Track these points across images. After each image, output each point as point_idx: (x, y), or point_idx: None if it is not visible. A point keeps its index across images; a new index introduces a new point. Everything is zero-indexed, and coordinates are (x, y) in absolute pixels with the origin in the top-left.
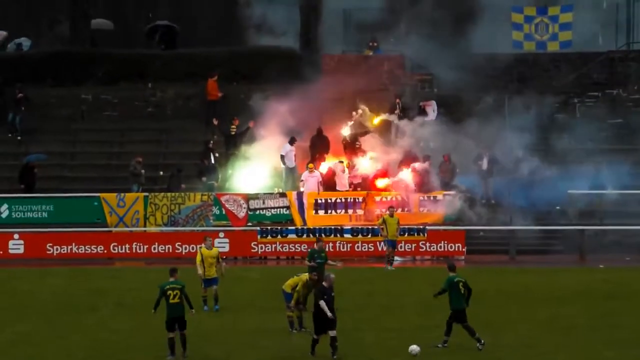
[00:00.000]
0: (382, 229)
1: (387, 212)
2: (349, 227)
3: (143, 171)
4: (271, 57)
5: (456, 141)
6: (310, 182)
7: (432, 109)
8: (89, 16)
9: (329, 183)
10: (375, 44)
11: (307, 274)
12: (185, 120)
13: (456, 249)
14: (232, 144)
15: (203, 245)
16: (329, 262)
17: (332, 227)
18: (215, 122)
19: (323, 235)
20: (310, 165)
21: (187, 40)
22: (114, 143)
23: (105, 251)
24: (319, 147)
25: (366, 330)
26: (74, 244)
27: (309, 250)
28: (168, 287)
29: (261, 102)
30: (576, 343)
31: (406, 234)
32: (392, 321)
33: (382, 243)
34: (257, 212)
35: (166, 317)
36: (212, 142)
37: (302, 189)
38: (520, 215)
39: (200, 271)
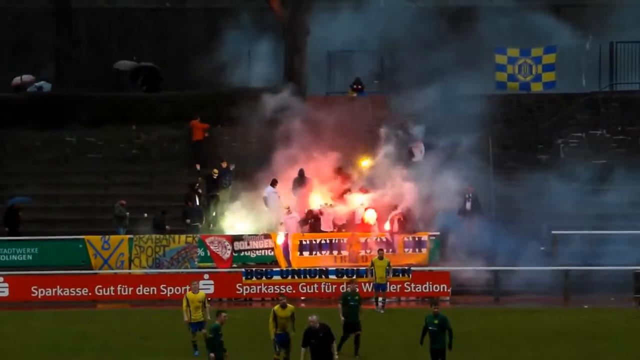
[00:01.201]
0: (369, 271)
1: (377, 255)
2: (334, 269)
3: (127, 213)
4: (256, 98)
5: (440, 182)
6: (289, 224)
7: (419, 150)
8: (73, 58)
9: (313, 225)
10: (359, 87)
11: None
12: (169, 163)
13: (441, 290)
14: (213, 186)
15: (189, 289)
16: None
17: (317, 269)
18: (197, 166)
19: (308, 276)
20: (287, 206)
21: (171, 82)
22: (98, 185)
23: (90, 294)
24: (301, 189)
25: None
26: (58, 286)
27: (343, 292)
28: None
29: (245, 144)
30: None
31: (391, 274)
32: None
33: (370, 285)
34: (242, 253)
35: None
36: (197, 184)
37: (281, 232)
38: (503, 255)
39: (186, 318)
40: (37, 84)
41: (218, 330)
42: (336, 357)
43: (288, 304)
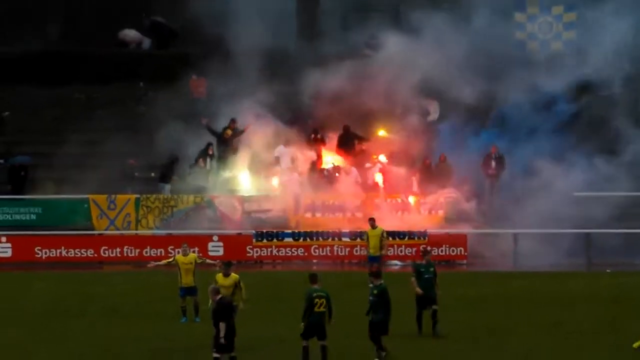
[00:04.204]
0: (366, 242)
1: (369, 224)
2: (347, 231)
3: (137, 174)
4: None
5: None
6: (290, 184)
7: (434, 108)
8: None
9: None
10: (375, 42)
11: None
12: (177, 121)
13: (458, 253)
14: (224, 145)
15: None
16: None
17: (330, 231)
18: (203, 121)
19: (320, 238)
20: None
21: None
22: (105, 143)
23: (95, 255)
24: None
25: (361, 338)
26: (63, 247)
27: (412, 263)
28: (315, 294)
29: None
30: (581, 348)
31: (407, 237)
32: (390, 329)
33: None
34: (252, 214)
35: (306, 324)
36: (210, 144)
37: (294, 193)
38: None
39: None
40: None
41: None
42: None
43: (232, 273)
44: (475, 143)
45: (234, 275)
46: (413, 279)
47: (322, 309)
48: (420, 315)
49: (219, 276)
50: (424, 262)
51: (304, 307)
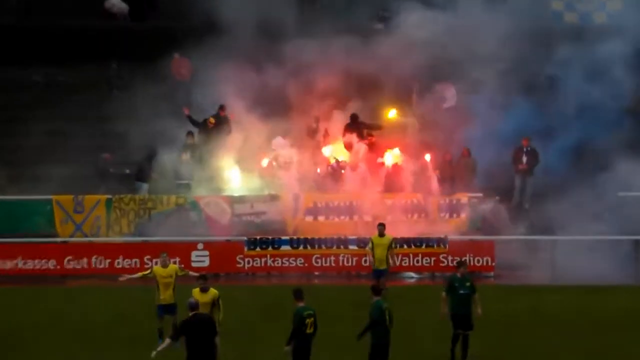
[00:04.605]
0: (370, 253)
1: (377, 231)
2: (355, 237)
3: (111, 170)
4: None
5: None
6: (287, 183)
7: (451, 93)
8: None
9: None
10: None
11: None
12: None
13: (484, 263)
14: (208, 137)
15: (158, 262)
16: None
17: (334, 237)
18: (186, 111)
19: (323, 246)
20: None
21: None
22: (70, 135)
23: (58, 267)
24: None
25: None
26: (20, 257)
27: (448, 276)
28: (306, 314)
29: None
30: None
31: (424, 245)
32: (402, 352)
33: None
34: (244, 218)
35: (294, 349)
36: (191, 133)
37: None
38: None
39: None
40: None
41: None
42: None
43: (211, 288)
44: (508, 124)
45: (213, 291)
46: (444, 294)
47: (311, 329)
48: (456, 338)
49: (196, 291)
50: (458, 274)
51: (292, 328)
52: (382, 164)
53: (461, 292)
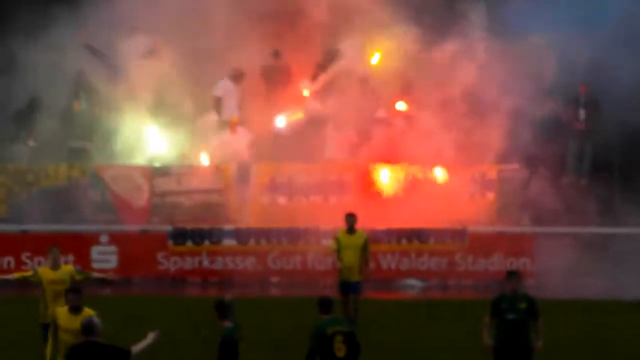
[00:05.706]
0: (335, 256)
1: (346, 224)
2: (329, 229)
3: None
4: None
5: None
6: (234, 148)
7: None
8: None
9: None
10: None
11: None
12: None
13: (521, 265)
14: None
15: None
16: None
17: (301, 228)
18: (82, 40)
19: (284, 240)
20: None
21: None
22: None
23: None
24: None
25: None
26: None
27: (496, 297)
28: (332, 331)
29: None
30: None
31: (432, 239)
32: None
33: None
34: (168, 198)
35: None
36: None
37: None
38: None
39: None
40: None
41: None
42: None
43: (86, 308)
44: None
45: (88, 312)
46: (487, 318)
47: (342, 353)
48: None
49: (61, 312)
50: (507, 291)
51: (306, 353)
52: (376, 121)
53: (511, 317)
